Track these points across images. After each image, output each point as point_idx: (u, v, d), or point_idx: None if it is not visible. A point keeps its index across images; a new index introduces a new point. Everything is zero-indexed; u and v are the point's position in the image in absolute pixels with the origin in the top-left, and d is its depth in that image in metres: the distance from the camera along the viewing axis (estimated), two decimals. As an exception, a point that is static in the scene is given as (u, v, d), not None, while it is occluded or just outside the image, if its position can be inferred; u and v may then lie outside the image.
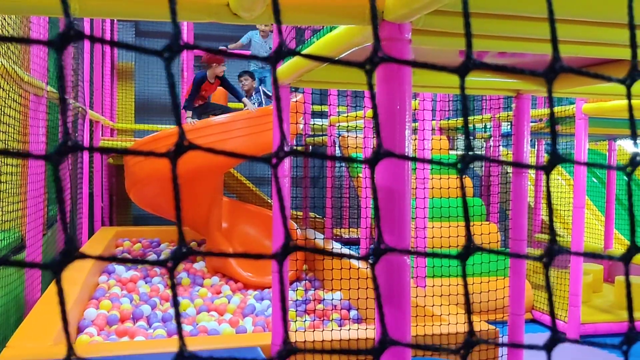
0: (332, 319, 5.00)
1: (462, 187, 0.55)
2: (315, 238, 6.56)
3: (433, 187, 5.25)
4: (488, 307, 4.15)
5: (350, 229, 8.99)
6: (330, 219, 7.01)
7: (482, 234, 4.76)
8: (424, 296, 4.16)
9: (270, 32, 6.75)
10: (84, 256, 0.46)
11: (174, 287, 0.49)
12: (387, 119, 1.94)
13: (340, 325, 4.73)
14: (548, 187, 0.56)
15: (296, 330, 3.81)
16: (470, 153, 0.53)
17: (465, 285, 0.56)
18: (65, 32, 0.44)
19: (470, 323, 0.55)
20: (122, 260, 0.50)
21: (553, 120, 0.58)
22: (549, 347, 0.52)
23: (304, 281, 6.22)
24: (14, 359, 3.26)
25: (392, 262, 1.92)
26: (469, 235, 0.55)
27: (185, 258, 0.49)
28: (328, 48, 2.35)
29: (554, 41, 0.55)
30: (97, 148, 0.49)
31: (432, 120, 7.68)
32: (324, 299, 5.51)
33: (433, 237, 4.91)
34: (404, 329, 1.93)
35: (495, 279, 4.04)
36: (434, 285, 4.57)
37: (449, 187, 5.23)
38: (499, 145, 7.03)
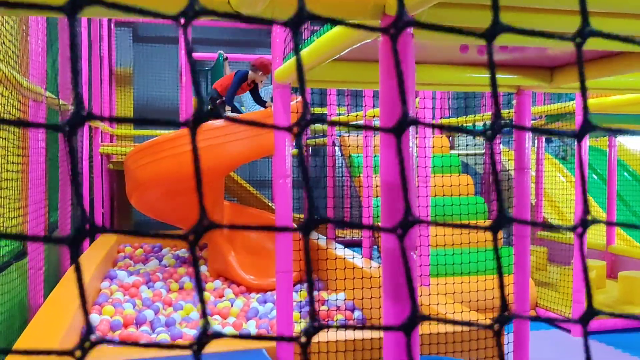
0: (336, 320, 4.99)
1: (492, 156, 0.54)
2: (318, 239, 6.55)
3: (435, 185, 5.24)
4: (493, 304, 4.14)
5: (352, 230, 8.98)
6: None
7: (481, 231, 4.74)
8: (429, 295, 4.15)
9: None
10: (103, 230, 0.44)
11: (195, 261, 0.47)
12: (390, 114, 1.93)
13: (344, 326, 4.71)
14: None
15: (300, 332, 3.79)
16: (501, 121, 0.52)
17: (498, 257, 0.55)
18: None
19: (502, 297, 0.53)
20: (141, 234, 0.49)
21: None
22: (584, 320, 0.51)
23: (307, 283, 6.19)
24: (18, 365, 3.24)
25: (398, 257, 1.91)
26: (500, 206, 0.54)
27: (207, 231, 0.48)
28: (329, 45, 2.35)
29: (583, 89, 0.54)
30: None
31: (432, 119, 7.68)
32: (327, 300, 5.49)
33: (436, 235, 4.90)
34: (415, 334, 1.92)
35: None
36: (438, 284, 4.56)
37: (451, 185, 5.22)
38: (500, 142, 7.01)
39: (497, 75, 3.03)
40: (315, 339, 3.70)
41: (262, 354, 3.50)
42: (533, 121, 6.58)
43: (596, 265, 6.34)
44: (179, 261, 7.08)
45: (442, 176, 5.70)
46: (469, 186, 6.30)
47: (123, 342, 0.47)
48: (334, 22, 0.51)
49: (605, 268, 6.54)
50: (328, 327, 0.52)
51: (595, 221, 0.52)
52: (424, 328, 3.59)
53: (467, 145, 7.93)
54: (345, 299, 5.41)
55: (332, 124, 0.52)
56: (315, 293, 5.78)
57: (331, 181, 6.80)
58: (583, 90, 0.55)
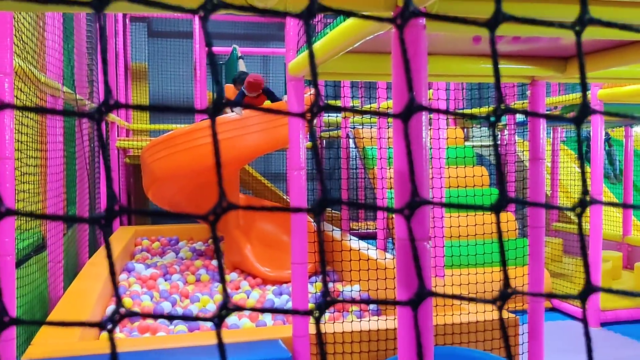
0: (351, 311, 5.02)
1: (495, 141, 0.56)
2: (332, 231, 6.58)
3: (450, 177, 5.24)
4: (508, 295, 4.15)
5: (367, 222, 8.99)
6: (347, 212, 7.03)
7: (495, 222, 4.74)
8: (443, 286, 4.17)
9: None
10: (127, 211, 0.48)
11: (216, 239, 0.50)
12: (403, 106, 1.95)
13: (359, 318, 4.74)
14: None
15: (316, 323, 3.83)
16: (502, 106, 0.54)
17: (500, 237, 0.57)
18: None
19: (505, 276, 0.56)
20: (164, 215, 0.52)
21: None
22: (583, 296, 0.53)
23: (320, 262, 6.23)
24: (39, 356, 3.31)
25: (410, 247, 1.93)
26: (502, 188, 0.56)
27: (226, 212, 0.51)
28: (342, 38, 2.37)
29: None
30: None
31: (447, 110, 7.65)
32: (342, 292, 5.53)
33: (451, 226, 4.91)
34: (426, 315, 1.94)
35: (515, 267, 4.04)
36: (452, 275, 4.58)
37: (465, 176, 5.21)
38: (514, 133, 6.99)
39: (510, 66, 3.04)
40: (331, 329, 3.74)
41: (279, 344, 3.54)
42: (547, 112, 6.55)
43: (612, 256, 6.31)
44: (195, 254, 7.15)
45: (457, 168, 5.70)
46: (483, 177, 6.30)
47: (148, 315, 0.50)
48: (346, 13, 0.54)
49: (621, 259, 6.51)
50: (342, 301, 0.54)
51: (593, 201, 0.54)
52: (438, 319, 3.61)
53: (481, 136, 7.90)
54: (360, 291, 5.43)
55: (344, 110, 0.53)
56: (330, 285, 5.82)
57: (345, 173, 6.82)
58: (582, 75, 0.56)
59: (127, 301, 5.08)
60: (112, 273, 0.46)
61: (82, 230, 5.99)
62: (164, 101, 10.41)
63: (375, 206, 0.54)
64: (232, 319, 4.80)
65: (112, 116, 7.96)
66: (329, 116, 7.86)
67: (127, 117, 9.44)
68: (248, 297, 5.51)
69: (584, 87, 0.56)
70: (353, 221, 8.59)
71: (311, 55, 0.53)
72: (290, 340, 3.53)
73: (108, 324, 0.46)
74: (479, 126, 8.05)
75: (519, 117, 6.98)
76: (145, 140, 8.87)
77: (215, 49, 10.05)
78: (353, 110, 0.57)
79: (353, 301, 0.56)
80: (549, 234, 7.36)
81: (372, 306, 5.14)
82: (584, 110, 0.54)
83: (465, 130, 8.08)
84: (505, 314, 3.76)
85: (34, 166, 4.29)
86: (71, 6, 0.40)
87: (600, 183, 5.36)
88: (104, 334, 4.32)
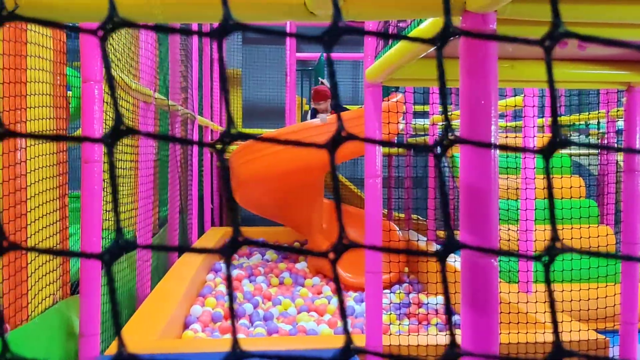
0: (434, 324, 4.89)
1: (440, 174, 0.50)
2: (418, 240, 6.46)
3: (542, 187, 4.98)
4: (597, 314, 3.89)
5: (456, 231, 8.74)
6: (433, 221, 6.87)
7: (593, 237, 4.47)
8: (526, 302, 3.97)
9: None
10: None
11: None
12: (470, 115, 1.86)
13: (441, 330, 4.61)
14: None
15: (392, 334, 3.76)
16: (450, 137, 0.48)
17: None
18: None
19: (452, 335, 0.50)
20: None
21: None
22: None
23: (405, 284, 6.13)
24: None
25: (477, 264, 1.83)
26: (449, 232, 0.50)
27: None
28: (412, 45, 2.30)
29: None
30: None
31: (541, 117, 7.33)
32: (425, 303, 5.40)
33: (535, 240, 4.67)
34: (491, 337, 1.84)
35: (605, 285, 3.78)
36: (537, 291, 4.35)
37: (562, 188, 4.95)
38: (615, 142, 6.56)
39: (605, 72, 2.84)
40: (407, 342, 3.64)
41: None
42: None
43: None
44: (280, 256, 7.23)
45: (543, 177, 5.41)
46: (580, 189, 5.97)
47: None
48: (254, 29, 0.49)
49: None
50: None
51: (565, 249, 0.47)
52: (520, 337, 3.44)
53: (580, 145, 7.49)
54: (443, 303, 5.28)
55: (254, 138, 0.49)
56: (413, 295, 5.70)
57: (433, 181, 6.68)
58: (553, 99, 0.49)
59: (211, 301, 5.20)
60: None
61: (173, 230, 6.21)
62: (257, 106, 10.64)
63: (291, 248, 0.49)
64: (310, 324, 4.80)
65: (206, 120, 8.22)
66: (416, 122, 7.73)
67: (220, 122, 9.72)
68: (329, 303, 5.49)
69: (554, 112, 0.49)
70: (439, 230, 8.39)
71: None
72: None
73: None
74: (578, 134, 7.65)
75: (619, 125, 6.54)
76: (238, 143, 9.09)
77: (306, 54, 10.11)
78: (270, 140, 0.52)
79: None
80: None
81: (455, 318, 4.98)
82: (554, 143, 0.47)
83: (563, 137, 7.68)
84: (593, 335, 3.52)
85: (126, 169, 4.49)
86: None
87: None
88: (186, 333, 4.44)
